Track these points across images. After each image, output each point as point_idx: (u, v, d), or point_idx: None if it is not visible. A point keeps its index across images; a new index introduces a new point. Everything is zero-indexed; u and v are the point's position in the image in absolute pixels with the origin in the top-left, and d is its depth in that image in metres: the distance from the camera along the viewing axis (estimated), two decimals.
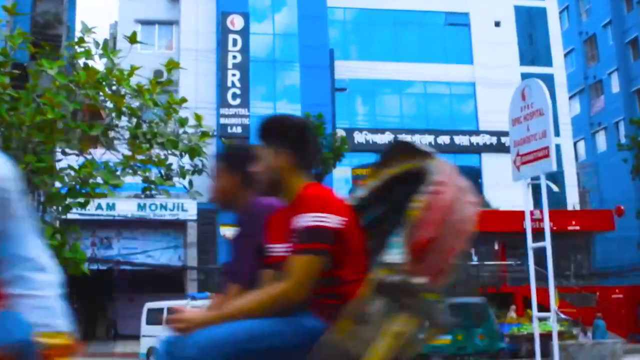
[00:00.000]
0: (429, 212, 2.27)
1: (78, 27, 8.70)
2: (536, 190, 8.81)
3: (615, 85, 40.58)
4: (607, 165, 38.79)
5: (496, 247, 30.29)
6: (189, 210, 26.06)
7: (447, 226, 2.28)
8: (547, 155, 8.62)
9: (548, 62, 34.37)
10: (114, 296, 29.86)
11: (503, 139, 29.56)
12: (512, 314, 23.36)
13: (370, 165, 2.66)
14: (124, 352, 23.50)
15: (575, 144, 38.55)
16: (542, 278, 9.99)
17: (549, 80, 32.22)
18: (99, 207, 24.69)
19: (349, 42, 33.43)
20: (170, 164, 7.69)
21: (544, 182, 8.71)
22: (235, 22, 30.06)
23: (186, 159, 7.88)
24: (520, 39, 34.41)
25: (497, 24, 33.88)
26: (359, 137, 31.48)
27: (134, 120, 7.58)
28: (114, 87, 7.58)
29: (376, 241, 2.51)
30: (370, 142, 31.72)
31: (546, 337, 10.39)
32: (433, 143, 32.25)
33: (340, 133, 27.32)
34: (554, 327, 8.28)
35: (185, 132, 7.70)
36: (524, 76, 25.97)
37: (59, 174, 6.57)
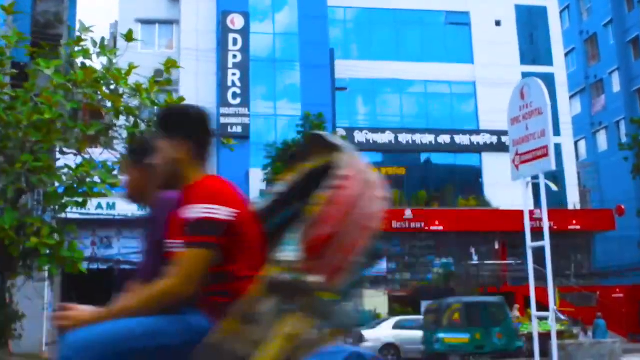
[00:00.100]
0: (329, 208, 2.16)
1: (78, 26, 8.69)
2: (536, 189, 8.80)
3: (616, 85, 40.53)
4: (607, 164, 38.75)
5: (497, 246, 30.28)
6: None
7: (350, 222, 2.17)
8: (546, 155, 8.60)
9: (549, 62, 34.34)
10: (115, 296, 29.84)
11: (503, 139, 29.52)
12: (516, 312, 23.36)
13: (290, 159, 2.59)
14: None
15: (576, 144, 38.52)
16: (542, 277, 9.97)
17: (549, 79, 32.22)
18: (99, 206, 24.69)
19: (349, 41, 33.41)
20: None
21: (543, 182, 8.69)
22: (236, 21, 30.06)
23: None
24: (521, 38, 34.38)
25: (498, 23, 33.85)
26: (360, 137, 31.45)
27: (132, 119, 7.56)
28: (112, 87, 7.56)
29: (282, 238, 2.40)
30: (371, 141, 31.70)
31: (546, 337, 10.37)
32: (434, 142, 32.26)
33: (341, 132, 27.31)
34: (553, 327, 8.27)
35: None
36: (525, 75, 25.94)
37: (57, 173, 6.56)
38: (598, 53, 42.36)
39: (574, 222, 30.93)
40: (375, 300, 26.61)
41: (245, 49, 29.83)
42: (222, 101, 29.23)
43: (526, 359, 17.76)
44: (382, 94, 32.85)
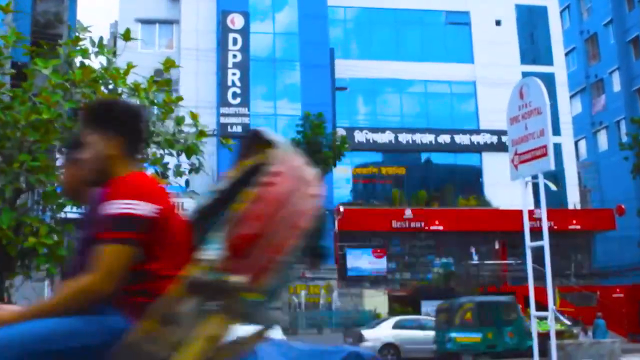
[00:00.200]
0: (257, 205, 2.09)
1: (77, 26, 8.68)
2: (536, 189, 8.80)
3: (616, 84, 40.52)
4: (608, 164, 38.74)
5: (497, 246, 30.27)
6: (189, 209, 26.00)
7: (278, 220, 2.10)
8: (545, 154, 8.59)
9: (549, 61, 34.33)
10: None
11: (504, 138, 29.51)
12: None
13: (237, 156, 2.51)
14: None
15: (576, 143, 38.52)
16: (541, 277, 9.96)
17: (550, 79, 32.22)
18: None
19: (349, 41, 33.41)
20: (167, 163, 7.67)
21: (542, 181, 8.68)
22: (236, 21, 30.06)
23: (183, 158, 7.86)
24: (521, 38, 34.38)
25: (498, 22, 33.85)
26: (360, 136, 31.46)
27: None
28: (110, 86, 7.55)
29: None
30: (371, 141, 31.71)
31: (546, 336, 10.36)
32: (434, 142, 32.25)
33: (341, 132, 27.31)
34: (552, 327, 8.26)
35: (181, 131, 7.67)
36: (525, 75, 25.92)
37: (55, 173, 6.56)
38: (598, 53, 42.35)
39: (574, 221, 30.93)
40: (375, 300, 26.62)
41: (245, 49, 29.84)
42: (222, 101, 29.23)
43: (526, 359, 17.75)
44: (382, 93, 32.85)
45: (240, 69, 29.62)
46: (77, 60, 7.73)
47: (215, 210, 2.33)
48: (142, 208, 2.16)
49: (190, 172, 8.03)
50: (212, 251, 2.10)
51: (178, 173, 7.64)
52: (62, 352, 2.06)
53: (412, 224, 29.69)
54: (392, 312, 25.49)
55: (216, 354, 2.07)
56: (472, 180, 32.48)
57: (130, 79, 7.48)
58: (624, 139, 34.06)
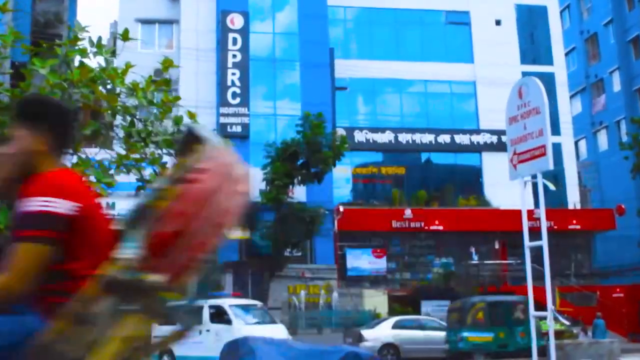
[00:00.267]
0: (179, 203, 2.03)
1: (75, 26, 8.66)
2: (536, 189, 8.80)
3: (616, 84, 40.50)
4: (608, 164, 38.73)
5: (497, 246, 30.26)
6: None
7: (200, 218, 2.04)
8: (543, 154, 8.58)
9: (549, 61, 34.32)
10: None
11: (504, 138, 29.38)
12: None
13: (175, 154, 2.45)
14: None
15: (576, 143, 38.50)
16: (541, 277, 9.95)
17: (549, 79, 32.21)
18: None
19: (349, 41, 33.40)
20: (165, 163, 7.66)
21: (540, 181, 8.67)
22: (235, 21, 30.05)
23: None
24: (521, 38, 34.36)
25: (498, 22, 33.83)
26: (359, 136, 31.45)
27: (129, 118, 7.54)
28: (108, 86, 7.54)
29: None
30: (371, 141, 31.70)
31: (546, 336, 10.36)
32: (434, 142, 32.24)
33: (341, 132, 27.29)
34: (550, 326, 8.26)
35: (179, 131, 7.66)
36: (525, 75, 25.93)
37: None
38: (598, 52, 42.34)
39: (574, 221, 30.92)
40: (375, 299, 26.60)
41: (245, 49, 29.83)
42: (222, 101, 29.22)
43: (525, 359, 17.75)
44: (382, 93, 32.84)
45: (240, 68, 29.62)
46: (77, 60, 7.73)
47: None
48: (61, 206, 2.09)
49: None
50: (129, 250, 2.04)
51: None
52: None
53: (412, 224, 29.68)
54: (391, 312, 25.47)
55: (132, 355, 2.02)
56: (472, 180, 32.46)
57: (131, 79, 7.47)
58: (624, 138, 34.05)
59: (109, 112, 7.50)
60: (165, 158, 7.99)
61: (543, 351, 8.78)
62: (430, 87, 32.96)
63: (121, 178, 8.59)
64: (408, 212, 29.53)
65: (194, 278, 2.09)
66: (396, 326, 21.43)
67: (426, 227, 29.82)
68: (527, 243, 8.69)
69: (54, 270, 2.09)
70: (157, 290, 2.02)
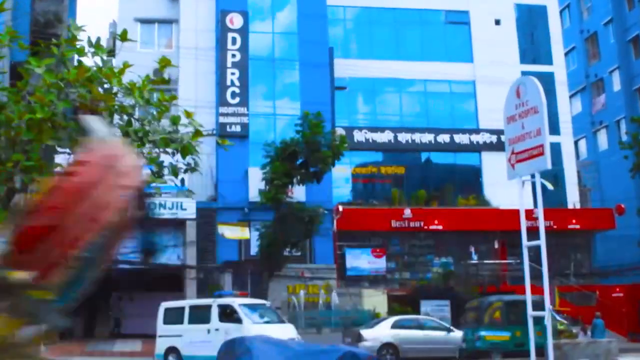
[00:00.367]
0: (52, 196, 1.91)
1: (71, 25, 8.65)
2: (535, 188, 8.80)
3: (616, 84, 40.48)
4: (608, 163, 38.71)
5: (496, 245, 30.24)
6: (188, 209, 26.03)
7: (75, 213, 1.90)
8: (541, 154, 8.57)
9: (549, 61, 34.28)
10: (114, 295, 29.86)
11: (503, 138, 29.41)
12: None
13: None
14: (132, 351, 23.43)
15: (576, 143, 38.47)
16: (540, 277, 9.95)
17: (549, 78, 32.20)
18: None
19: (349, 40, 33.37)
20: (162, 162, 7.66)
21: (538, 180, 8.66)
22: (235, 20, 30.01)
23: (180, 158, 7.84)
24: (521, 37, 34.31)
25: (498, 22, 33.79)
26: (359, 136, 31.42)
27: (126, 118, 7.55)
28: (105, 85, 7.54)
29: None
30: (370, 140, 31.67)
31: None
32: (433, 141, 32.21)
33: (340, 131, 27.25)
34: (549, 326, 8.25)
35: (177, 131, 7.66)
36: (525, 74, 25.90)
37: (49, 172, 6.54)
38: (598, 52, 42.31)
39: (574, 221, 30.89)
40: (375, 299, 26.58)
41: (244, 48, 29.80)
42: (221, 100, 29.19)
43: (524, 359, 17.77)
44: (382, 93, 32.81)
45: (239, 68, 29.59)
46: (76, 60, 7.73)
47: None
48: None
49: (185, 171, 8.02)
50: None
51: (173, 172, 7.63)
52: None
53: (412, 224, 29.66)
54: (391, 312, 25.45)
55: None
56: (471, 179, 32.43)
57: (130, 79, 7.48)
58: (624, 138, 34.02)
59: (106, 111, 7.50)
60: (162, 157, 8.00)
61: (542, 351, 8.77)
62: (430, 86, 32.93)
63: None
64: (407, 212, 29.51)
65: (65, 275, 1.94)
66: (395, 326, 21.41)
67: (426, 227, 29.80)
68: (525, 243, 8.69)
69: None
70: (23, 288, 1.88)
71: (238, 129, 28.89)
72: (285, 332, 16.62)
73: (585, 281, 30.46)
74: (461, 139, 32.36)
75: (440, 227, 29.78)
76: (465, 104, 33.45)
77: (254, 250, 26.05)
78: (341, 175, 30.45)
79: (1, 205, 6.41)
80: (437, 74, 32.33)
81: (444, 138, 32.21)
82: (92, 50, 7.55)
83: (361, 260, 29.30)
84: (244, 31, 29.99)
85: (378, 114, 32.31)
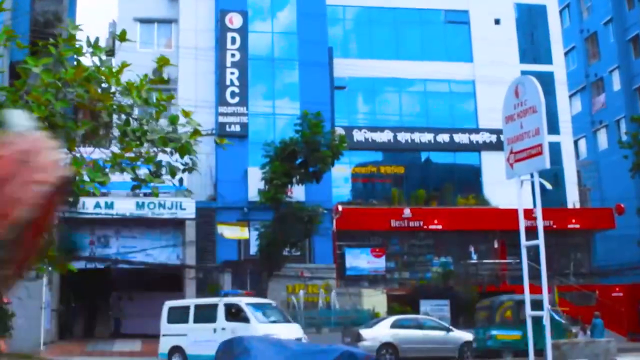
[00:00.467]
0: None
1: (68, 25, 8.63)
2: (534, 187, 8.83)
3: (616, 83, 40.48)
4: (608, 163, 38.70)
5: (496, 245, 30.24)
6: (187, 208, 26.03)
7: None
8: (540, 153, 8.57)
9: (548, 60, 34.28)
10: (113, 295, 29.88)
11: (503, 137, 29.45)
12: None
13: None
14: (131, 351, 23.43)
15: (576, 142, 38.47)
16: (539, 276, 9.95)
17: (549, 78, 32.20)
18: (97, 205, 24.68)
19: (348, 40, 33.37)
20: (160, 162, 7.64)
21: (537, 180, 8.66)
22: (234, 20, 30.01)
23: (178, 157, 7.82)
24: (521, 37, 34.31)
25: (497, 21, 33.79)
26: (358, 135, 31.42)
27: (124, 117, 7.53)
28: (103, 85, 7.52)
29: None
30: (370, 140, 31.66)
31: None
32: (433, 141, 32.21)
33: (340, 131, 27.25)
34: (547, 326, 8.24)
35: (175, 130, 7.63)
36: (525, 74, 25.88)
37: None
38: (598, 51, 42.31)
39: (574, 220, 30.89)
40: (374, 299, 26.59)
41: (243, 48, 29.79)
42: (221, 100, 29.19)
43: (522, 358, 17.78)
44: (381, 92, 32.80)
45: (238, 68, 29.58)
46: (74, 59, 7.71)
47: None
48: None
49: (183, 171, 8.00)
50: None
51: (171, 171, 7.61)
52: None
53: (411, 223, 29.65)
54: (390, 312, 25.45)
55: None
56: (471, 179, 32.43)
57: (129, 78, 7.46)
58: (624, 137, 34.01)
59: (105, 111, 7.49)
60: (162, 157, 7.97)
61: (540, 351, 8.78)
62: (430, 86, 32.92)
63: (116, 177, 8.58)
64: (407, 212, 29.50)
65: None
66: (395, 325, 21.42)
67: (425, 227, 29.80)
68: (524, 242, 8.69)
69: None
70: None
71: (237, 128, 28.88)
72: (292, 331, 16.63)
73: (585, 281, 30.46)
74: (461, 138, 32.36)
75: (439, 227, 29.78)
76: (464, 104, 33.44)
77: (253, 250, 26.02)
78: (341, 175, 30.45)
79: None
80: (437, 74, 32.33)
81: (443, 138, 32.21)
82: (91, 50, 7.53)
83: (361, 260, 29.30)
84: (243, 31, 29.98)
85: (377, 114, 32.31)
